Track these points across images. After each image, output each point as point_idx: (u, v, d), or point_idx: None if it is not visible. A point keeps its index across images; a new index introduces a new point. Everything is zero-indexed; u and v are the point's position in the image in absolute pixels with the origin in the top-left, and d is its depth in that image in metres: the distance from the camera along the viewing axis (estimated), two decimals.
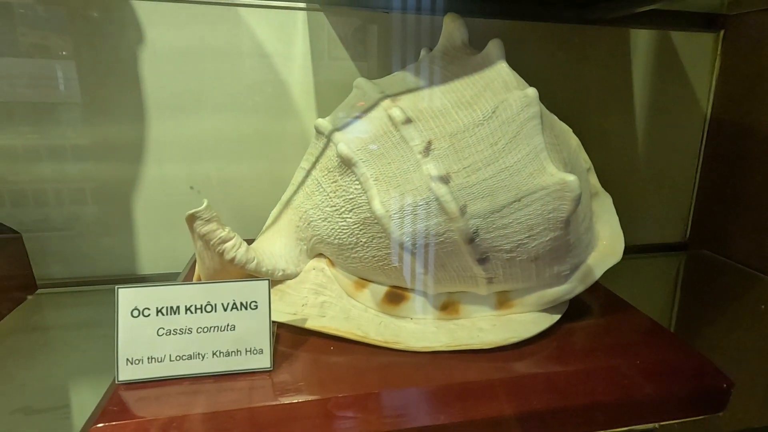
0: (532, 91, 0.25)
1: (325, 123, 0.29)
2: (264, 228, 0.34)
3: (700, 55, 0.58)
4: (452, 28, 0.30)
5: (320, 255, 0.32)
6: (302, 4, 0.47)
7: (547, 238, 0.25)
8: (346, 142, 0.26)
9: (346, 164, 0.26)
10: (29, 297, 0.43)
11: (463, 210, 0.24)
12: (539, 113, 0.25)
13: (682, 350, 0.29)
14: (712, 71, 0.58)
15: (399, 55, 0.49)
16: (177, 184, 0.48)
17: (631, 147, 0.59)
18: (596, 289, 0.38)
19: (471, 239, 0.25)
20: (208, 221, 0.28)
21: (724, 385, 0.27)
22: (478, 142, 0.25)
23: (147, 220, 0.48)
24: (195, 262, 0.34)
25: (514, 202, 0.24)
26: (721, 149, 0.58)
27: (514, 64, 0.28)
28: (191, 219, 0.28)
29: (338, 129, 0.28)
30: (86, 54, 0.43)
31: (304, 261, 0.31)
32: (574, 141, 0.30)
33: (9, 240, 0.41)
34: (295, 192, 0.31)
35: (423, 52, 0.36)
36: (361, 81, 0.30)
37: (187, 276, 0.38)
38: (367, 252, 0.28)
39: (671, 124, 0.59)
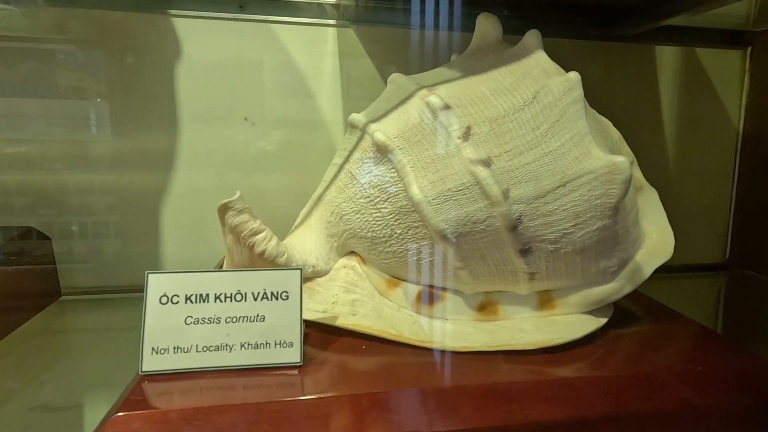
0: (574, 75, 0.24)
1: (359, 116, 0.29)
2: (293, 226, 0.33)
3: (728, 71, 0.57)
4: (486, 26, 0.31)
5: (351, 253, 0.31)
6: (332, 21, 0.48)
7: (595, 228, 0.24)
8: (383, 130, 0.26)
9: (382, 152, 0.26)
10: (53, 303, 0.43)
11: (506, 194, 0.23)
12: (582, 97, 0.24)
13: (746, 357, 0.26)
14: (742, 87, 0.57)
15: (426, 69, 0.49)
16: (205, 194, 0.48)
17: (663, 164, 0.57)
18: (640, 297, 0.36)
19: (514, 226, 0.24)
20: (240, 212, 0.27)
21: None
22: (520, 126, 0.24)
23: (174, 229, 0.48)
24: (223, 260, 0.34)
25: (559, 187, 0.23)
26: (757, 165, 0.56)
27: None
28: (223, 209, 0.27)
29: (373, 120, 0.28)
30: (125, 64, 0.45)
31: (334, 259, 0.30)
32: (616, 133, 0.29)
33: (39, 244, 0.41)
34: (327, 187, 0.30)
35: (453, 56, 0.36)
36: (396, 76, 0.30)
37: None
38: (401, 245, 0.27)
39: (703, 141, 0.58)
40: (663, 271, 0.65)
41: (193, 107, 0.47)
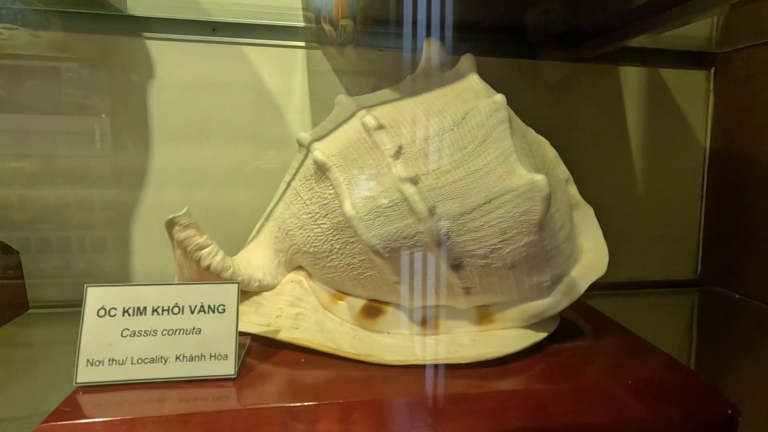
0: (500, 97, 0.25)
1: (305, 135, 0.30)
2: (247, 241, 0.34)
3: (692, 91, 0.58)
4: (430, 51, 0.32)
5: (299, 268, 0.31)
6: (302, 43, 0.50)
7: (522, 243, 0.25)
8: (322, 149, 0.27)
9: (321, 170, 0.27)
10: (20, 316, 0.43)
11: (432, 210, 0.24)
12: (507, 117, 0.25)
13: (680, 372, 0.27)
14: (707, 106, 0.59)
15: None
16: (175, 210, 0.49)
17: (631, 184, 0.58)
18: (591, 313, 0.36)
19: (441, 242, 0.24)
20: (186, 227, 0.28)
21: (729, 412, 0.25)
22: (448, 146, 0.25)
23: (144, 244, 0.49)
24: None
25: (485, 204, 0.24)
26: (725, 182, 0.57)
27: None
28: (170, 224, 0.28)
29: (316, 139, 0.29)
30: (98, 84, 0.46)
31: (282, 273, 0.31)
32: (551, 152, 0.30)
33: (6, 258, 0.42)
34: (276, 204, 0.31)
35: (407, 78, 0.37)
36: (341, 97, 0.31)
37: None
38: (341, 260, 0.27)
39: (670, 160, 0.59)
40: (634, 287, 0.65)
41: (164, 126, 0.48)
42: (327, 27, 0.49)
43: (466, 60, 0.28)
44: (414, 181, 0.24)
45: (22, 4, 0.44)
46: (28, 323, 0.44)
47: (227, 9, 0.49)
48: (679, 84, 0.58)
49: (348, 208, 0.25)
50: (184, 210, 0.28)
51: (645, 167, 0.58)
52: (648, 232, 0.59)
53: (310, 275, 0.31)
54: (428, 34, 0.48)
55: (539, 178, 0.23)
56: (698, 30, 0.58)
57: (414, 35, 0.50)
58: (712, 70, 0.58)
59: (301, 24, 0.49)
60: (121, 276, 0.48)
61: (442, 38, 0.51)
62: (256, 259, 0.31)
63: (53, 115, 0.46)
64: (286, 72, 0.50)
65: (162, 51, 0.48)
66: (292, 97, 0.50)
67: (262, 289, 0.30)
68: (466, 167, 0.25)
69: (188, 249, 0.28)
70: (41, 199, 0.47)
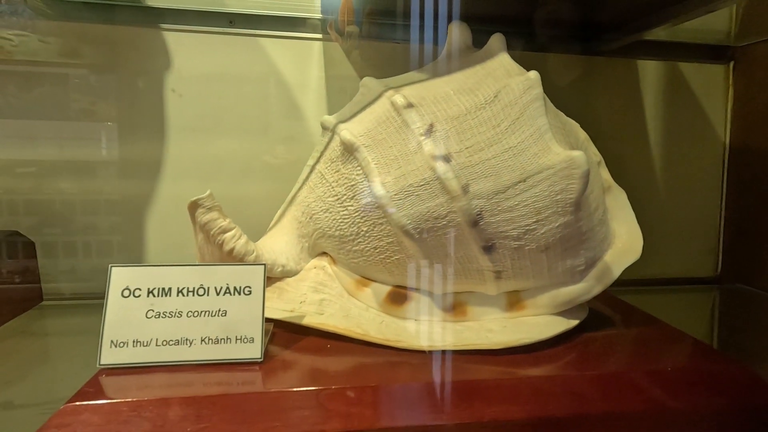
0: (533, 74, 0.25)
1: (330, 118, 0.29)
2: (268, 228, 0.33)
3: (711, 85, 0.58)
4: (456, 33, 0.31)
5: (322, 253, 0.31)
6: (318, 35, 0.50)
7: (557, 224, 0.24)
8: (350, 129, 0.27)
9: (349, 150, 0.26)
10: (34, 307, 0.43)
11: (465, 189, 0.23)
12: (542, 95, 0.24)
13: (721, 360, 0.26)
14: (726, 101, 0.58)
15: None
16: (187, 202, 0.48)
17: (649, 180, 0.57)
18: (617, 303, 0.36)
19: (475, 222, 0.24)
20: (210, 209, 0.27)
21: None
22: (480, 124, 0.24)
23: (160, 237, 0.48)
24: None
25: (519, 182, 0.23)
26: (744, 178, 0.56)
27: None
28: (193, 206, 0.28)
29: (342, 121, 0.28)
30: (116, 76, 0.46)
31: (305, 259, 0.30)
32: (582, 134, 0.29)
33: (22, 246, 0.42)
34: (299, 188, 0.31)
35: (431, 63, 0.37)
36: (367, 80, 0.31)
37: None
38: (368, 243, 0.27)
39: (689, 155, 0.58)
40: (654, 284, 0.64)
41: (180, 118, 0.48)
42: (333, 34, 0.49)
43: (496, 39, 0.28)
44: (446, 158, 0.24)
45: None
46: (42, 315, 0.43)
47: (244, 0, 0.49)
48: (697, 78, 0.57)
49: (377, 187, 0.24)
50: (208, 192, 0.27)
51: (663, 163, 0.57)
52: (667, 229, 0.58)
53: (333, 261, 0.30)
54: (436, 27, 0.48)
55: (577, 154, 0.23)
56: (717, 23, 0.57)
57: (422, 27, 0.50)
58: (731, 63, 0.57)
59: (319, 16, 0.49)
60: None
61: (435, 30, 0.51)
62: (278, 244, 0.30)
63: (68, 109, 0.46)
64: (302, 64, 0.50)
65: (179, 42, 0.47)
66: (309, 89, 0.50)
67: (285, 274, 0.29)
68: (500, 145, 0.24)
69: (211, 232, 0.27)
70: (55, 190, 0.46)
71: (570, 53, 0.54)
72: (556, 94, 0.55)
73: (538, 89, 0.24)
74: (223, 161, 0.49)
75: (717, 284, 0.58)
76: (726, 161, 0.58)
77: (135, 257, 0.48)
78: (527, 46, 0.53)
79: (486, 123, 0.24)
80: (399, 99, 0.26)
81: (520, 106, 0.24)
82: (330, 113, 0.50)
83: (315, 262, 0.30)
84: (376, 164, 0.25)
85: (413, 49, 0.51)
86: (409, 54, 0.52)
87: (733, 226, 0.57)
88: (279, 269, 0.29)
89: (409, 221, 0.24)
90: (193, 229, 0.29)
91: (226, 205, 0.49)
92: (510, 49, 0.52)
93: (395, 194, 0.24)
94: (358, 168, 0.26)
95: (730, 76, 0.57)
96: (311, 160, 0.31)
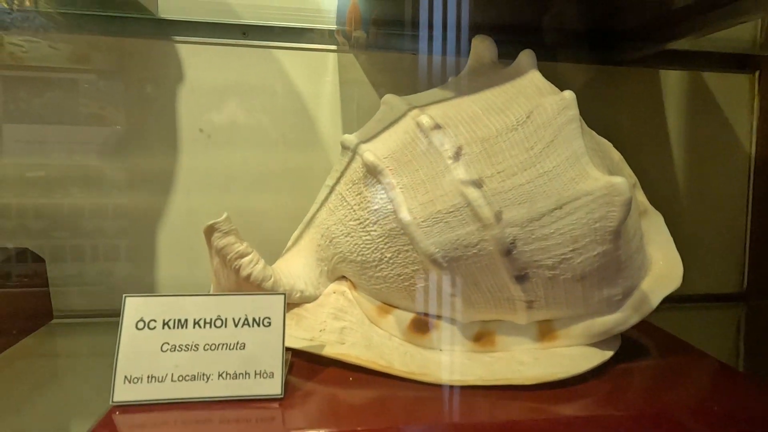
0: (569, 94, 0.23)
1: (351, 137, 0.28)
2: (285, 249, 0.32)
3: (736, 95, 0.56)
4: (481, 48, 0.30)
5: (342, 278, 0.29)
6: (333, 47, 0.49)
7: (595, 253, 0.23)
8: (373, 150, 0.25)
9: (372, 173, 0.25)
10: (45, 325, 0.42)
11: (498, 216, 0.22)
12: (578, 116, 0.23)
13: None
14: (752, 111, 0.56)
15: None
16: (203, 216, 0.47)
17: (673, 193, 0.55)
18: (650, 328, 0.34)
19: (508, 251, 0.22)
20: (227, 234, 0.26)
21: None
22: (512, 146, 0.23)
23: (171, 251, 0.47)
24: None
25: (555, 209, 0.22)
26: None
27: None
28: (209, 231, 0.26)
29: (364, 141, 0.27)
30: (128, 88, 0.45)
31: (324, 284, 0.29)
32: (616, 155, 0.28)
33: (32, 266, 0.41)
34: (318, 209, 0.30)
35: (450, 79, 0.36)
36: (389, 97, 0.29)
37: None
38: (392, 269, 0.25)
39: (714, 167, 0.56)
40: (678, 301, 0.62)
41: (193, 130, 0.47)
42: (340, 38, 0.48)
43: (526, 55, 0.26)
44: (477, 184, 0.22)
45: (56, 5, 0.43)
46: (52, 333, 0.42)
47: (258, 12, 0.48)
48: (722, 88, 0.55)
49: (404, 213, 0.23)
50: (224, 216, 0.26)
51: (687, 176, 0.56)
52: (691, 244, 0.56)
53: (354, 285, 0.29)
54: (444, 36, 0.46)
55: (618, 180, 0.21)
56: (742, 32, 0.55)
57: (430, 37, 0.48)
58: (757, 73, 0.55)
59: (333, 26, 0.48)
60: (147, 284, 0.47)
61: (458, 40, 0.50)
62: (296, 267, 0.29)
63: (78, 118, 0.46)
64: (316, 75, 0.49)
65: (192, 54, 0.47)
66: (323, 100, 0.49)
67: (304, 300, 0.28)
68: (534, 169, 0.23)
69: (228, 257, 0.26)
70: (64, 204, 0.45)
71: (587, 62, 0.52)
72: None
73: (574, 110, 0.23)
74: (236, 173, 0.48)
75: (743, 301, 0.56)
76: (752, 173, 0.56)
77: (146, 272, 0.47)
78: (543, 55, 0.52)
79: (518, 145, 0.23)
80: (425, 120, 0.25)
81: (555, 127, 0.23)
82: (344, 124, 0.50)
83: (334, 286, 0.29)
84: (401, 188, 0.24)
85: (422, 59, 0.50)
86: (417, 63, 0.51)
87: (760, 240, 0.55)
88: (297, 294, 0.28)
89: (437, 249, 0.23)
90: (209, 252, 0.28)
91: (238, 217, 0.48)
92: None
93: (423, 221, 0.23)
94: (383, 191, 0.25)
95: (756, 86, 0.55)
96: (330, 179, 0.30)
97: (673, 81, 0.54)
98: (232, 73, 0.47)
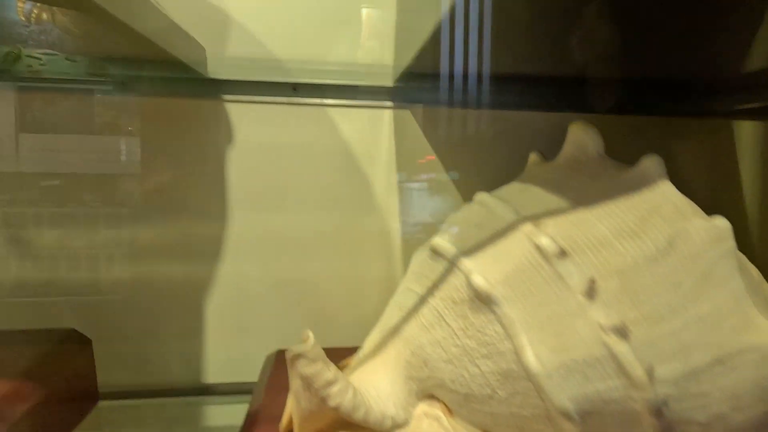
0: (723, 223, 0.20)
1: (446, 245, 0.25)
2: (362, 354, 0.29)
3: None
4: (582, 137, 0.27)
5: (433, 397, 0.26)
6: (389, 103, 0.46)
7: (757, 411, 0.19)
8: (482, 273, 0.22)
9: (484, 301, 0.22)
10: (91, 410, 0.39)
11: (650, 373, 0.19)
12: (734, 249, 0.20)
13: None
14: None
15: (489, 155, 0.46)
16: (252, 283, 0.45)
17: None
18: None
19: (658, 411, 0.19)
20: (314, 361, 0.24)
21: None
22: (656, 282, 0.20)
23: (218, 321, 0.45)
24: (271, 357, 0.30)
25: (715, 364, 0.19)
26: None
27: None
28: (295, 359, 0.24)
29: (466, 254, 0.24)
30: (172, 150, 0.43)
31: (413, 403, 0.26)
32: (754, 271, 0.25)
33: (79, 348, 0.39)
34: (406, 320, 0.27)
35: (534, 158, 0.33)
36: (484, 197, 0.26)
37: (264, 399, 0.33)
38: (504, 408, 0.22)
39: None
40: None
41: (242, 192, 0.45)
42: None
43: (652, 161, 0.23)
44: (622, 332, 0.19)
45: (112, 67, 0.41)
46: (99, 416, 0.40)
47: (309, 69, 0.45)
48: None
49: (530, 360, 0.20)
50: (310, 341, 0.23)
51: (766, 243, 0.52)
52: None
53: (449, 411, 0.26)
54: (465, 88, 0.42)
55: None
56: None
57: (465, 88, 0.44)
58: None
59: (389, 84, 0.46)
60: (194, 359, 0.45)
61: (526, 93, 0.47)
62: (383, 385, 0.26)
63: (121, 186, 0.43)
64: (371, 133, 0.46)
65: (241, 113, 0.45)
66: (378, 160, 0.46)
67: (396, 427, 0.25)
68: (686, 313, 0.19)
69: (315, 386, 0.23)
70: (110, 276, 0.43)
71: (662, 115, 0.49)
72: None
73: (730, 242, 0.20)
74: (287, 238, 0.45)
75: None
76: None
77: (194, 344, 0.45)
78: (603, 108, 0.49)
79: (663, 281, 0.20)
80: (547, 243, 0.22)
81: (706, 261, 0.20)
82: (399, 187, 0.47)
83: (425, 408, 0.26)
84: (523, 325, 0.21)
85: (479, 114, 0.48)
86: (476, 119, 0.48)
87: None
88: (389, 422, 0.25)
89: (571, 404, 0.20)
90: (289, 374, 0.25)
91: (289, 285, 0.46)
92: (582, 111, 0.47)
93: (554, 370, 0.20)
94: (497, 324, 0.22)
95: None
96: (416, 285, 0.27)
97: (746, 133, 0.51)
98: (282, 131, 0.45)
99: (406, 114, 0.46)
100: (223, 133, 0.44)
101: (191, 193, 0.44)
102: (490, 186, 0.32)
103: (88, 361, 0.40)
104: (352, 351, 0.31)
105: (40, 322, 0.42)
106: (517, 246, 0.23)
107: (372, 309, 0.47)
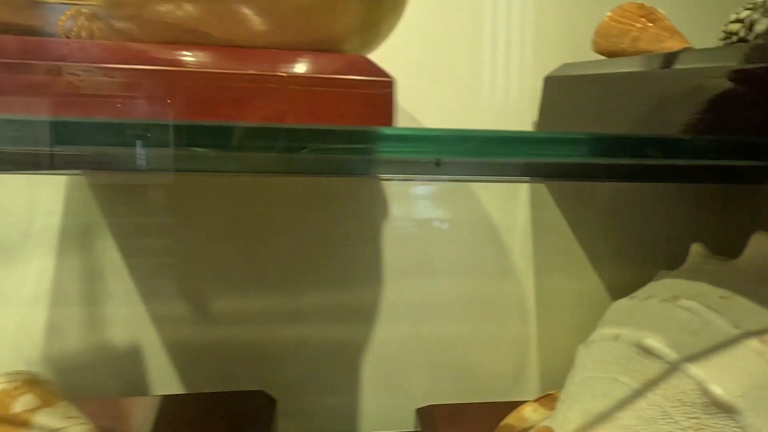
0: None
1: (662, 347, 0.29)
2: None
3: None
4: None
5: None
6: (526, 178, 0.50)
7: None
8: (719, 383, 0.26)
9: (724, 410, 0.26)
10: None
11: None
12: None
13: None
14: None
15: (622, 233, 0.50)
16: (402, 344, 0.49)
17: None
18: None
19: None
20: None
21: None
22: None
23: (372, 379, 0.49)
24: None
25: None
26: None
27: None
28: None
29: (691, 361, 0.28)
30: (333, 227, 0.48)
31: None
32: None
33: (265, 408, 0.43)
34: (620, 408, 0.31)
35: (699, 250, 0.37)
36: (691, 304, 0.30)
37: None
38: None
39: None
40: None
41: (394, 262, 0.49)
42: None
43: None
44: None
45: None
46: None
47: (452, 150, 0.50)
48: None
49: None
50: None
51: None
52: None
53: None
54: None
55: None
56: None
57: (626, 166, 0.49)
58: None
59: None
60: (351, 412, 0.49)
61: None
62: None
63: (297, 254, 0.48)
64: (508, 206, 0.51)
65: (392, 190, 0.49)
66: (515, 231, 0.51)
67: None
68: None
69: None
70: (280, 338, 0.48)
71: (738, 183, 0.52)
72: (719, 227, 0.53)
73: None
74: (434, 302, 0.50)
75: None
76: None
77: (348, 401, 0.49)
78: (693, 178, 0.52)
79: None
80: None
81: None
82: (535, 254, 0.51)
83: None
84: None
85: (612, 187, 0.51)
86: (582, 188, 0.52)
87: None
88: None
89: None
90: None
91: (437, 344, 0.50)
92: (666, 180, 0.51)
93: None
94: (738, 429, 0.26)
95: None
96: (626, 378, 0.31)
97: None
98: (428, 205, 0.50)
99: (542, 188, 0.51)
100: (379, 208, 0.49)
101: (349, 262, 0.48)
102: (627, 259, 0.35)
103: (270, 419, 0.45)
104: (490, 405, 0.35)
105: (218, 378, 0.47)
106: (748, 361, 0.27)
107: (509, 366, 0.51)
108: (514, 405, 0.43)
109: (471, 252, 0.50)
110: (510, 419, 0.43)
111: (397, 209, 0.49)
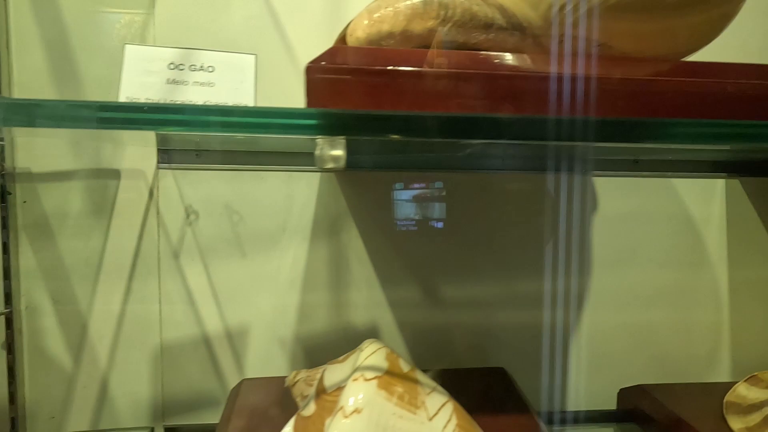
0: None
1: None
2: None
3: None
4: None
5: None
6: (723, 174, 0.54)
7: None
8: None
9: None
10: None
11: None
12: None
13: None
14: None
15: None
16: (605, 327, 0.53)
17: None
18: None
19: None
20: None
21: None
22: None
23: (576, 361, 0.53)
24: None
25: None
26: None
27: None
28: None
29: None
30: (544, 221, 0.52)
31: None
32: None
33: (506, 386, 0.47)
34: None
35: None
36: None
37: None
38: None
39: None
40: None
41: (602, 253, 0.53)
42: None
43: None
44: None
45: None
46: None
47: (650, 148, 0.53)
48: None
49: None
50: None
51: None
52: None
53: None
54: None
55: None
56: None
57: None
58: None
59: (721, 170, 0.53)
60: (558, 391, 0.53)
61: None
62: None
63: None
64: (705, 201, 0.54)
65: (601, 185, 0.53)
66: (710, 224, 0.54)
67: None
68: None
69: None
70: (498, 322, 0.52)
71: None
72: None
73: None
74: (635, 290, 0.53)
75: None
76: None
77: (558, 377, 0.53)
78: None
79: None
80: None
81: None
82: (729, 246, 0.54)
83: None
84: None
85: None
86: None
87: None
88: None
89: None
90: None
91: (636, 329, 0.53)
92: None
93: None
94: None
95: None
96: None
97: None
98: (635, 200, 0.53)
99: (736, 183, 0.54)
100: (588, 203, 0.53)
101: (562, 254, 0.52)
102: None
103: (521, 392, 0.48)
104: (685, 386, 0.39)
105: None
106: None
107: (703, 351, 0.54)
108: (705, 387, 0.47)
109: (669, 244, 0.53)
110: (730, 397, 0.47)
111: (603, 203, 0.53)
